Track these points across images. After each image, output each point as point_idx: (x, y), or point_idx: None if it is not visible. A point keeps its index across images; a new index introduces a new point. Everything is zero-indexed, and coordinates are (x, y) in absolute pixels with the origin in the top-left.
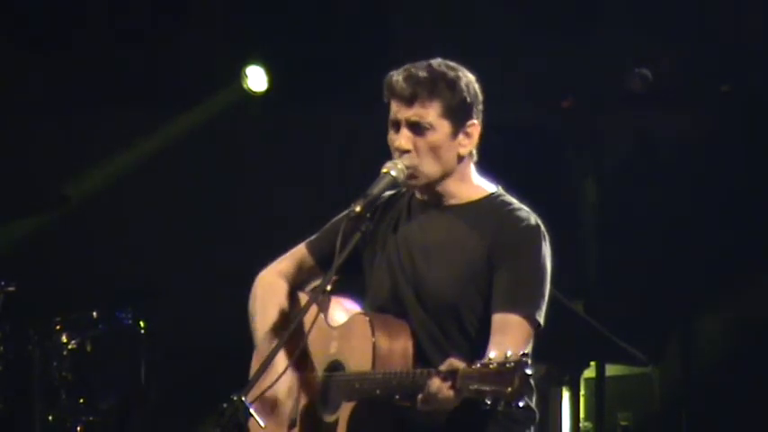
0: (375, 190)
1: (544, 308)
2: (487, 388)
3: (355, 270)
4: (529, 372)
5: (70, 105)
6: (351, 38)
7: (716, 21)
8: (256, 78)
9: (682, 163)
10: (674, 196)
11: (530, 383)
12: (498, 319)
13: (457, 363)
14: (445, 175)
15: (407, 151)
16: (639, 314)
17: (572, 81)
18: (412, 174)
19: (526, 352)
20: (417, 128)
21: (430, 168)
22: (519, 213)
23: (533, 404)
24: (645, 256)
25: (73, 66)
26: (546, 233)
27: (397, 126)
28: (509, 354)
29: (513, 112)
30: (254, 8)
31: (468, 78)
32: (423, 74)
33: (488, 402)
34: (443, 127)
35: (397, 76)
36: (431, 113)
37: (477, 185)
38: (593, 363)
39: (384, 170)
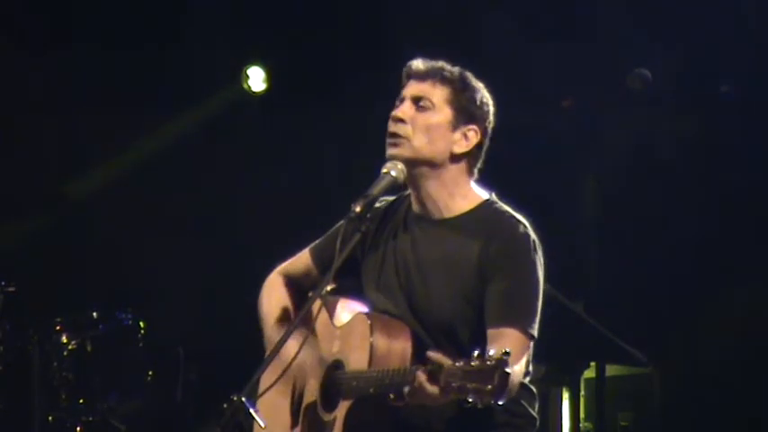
0: (375, 190)
1: (537, 320)
2: (469, 385)
3: (356, 273)
4: (508, 370)
5: (70, 105)
6: (350, 38)
7: (716, 21)
8: (256, 78)
9: (682, 163)
10: (674, 196)
11: (509, 382)
12: (492, 333)
13: (443, 359)
14: (433, 163)
15: (400, 120)
16: (639, 314)
17: (572, 81)
18: (397, 143)
19: (507, 350)
20: (420, 104)
21: (419, 142)
22: (510, 224)
23: (535, 411)
24: (645, 256)
25: (73, 66)
26: (537, 242)
27: (401, 102)
28: (491, 353)
29: (513, 112)
30: (254, 9)
31: (485, 93)
32: (444, 65)
33: (470, 400)
34: (445, 113)
35: (417, 60)
36: (437, 94)
37: (469, 194)
38: (593, 363)
39: (384, 170)
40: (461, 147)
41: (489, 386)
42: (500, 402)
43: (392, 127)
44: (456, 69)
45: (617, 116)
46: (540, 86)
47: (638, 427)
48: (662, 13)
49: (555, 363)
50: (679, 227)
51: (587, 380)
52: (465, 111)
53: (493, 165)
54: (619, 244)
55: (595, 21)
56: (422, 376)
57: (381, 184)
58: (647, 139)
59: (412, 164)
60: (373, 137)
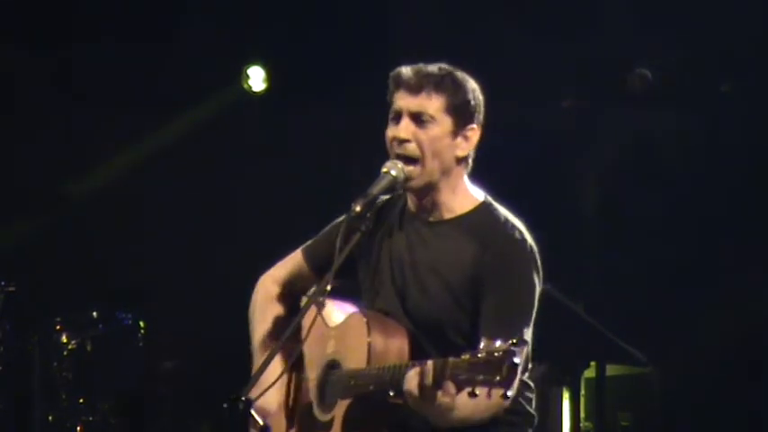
0: (375, 190)
1: (531, 323)
2: (477, 377)
3: (352, 273)
4: (516, 360)
5: (70, 105)
6: (351, 38)
7: (716, 21)
8: (256, 78)
9: (682, 163)
10: (674, 196)
11: (517, 372)
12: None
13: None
14: (442, 176)
15: (405, 141)
16: (640, 314)
17: (572, 81)
18: (410, 176)
19: (515, 341)
20: (419, 119)
21: (430, 164)
22: (506, 230)
23: (532, 408)
24: (645, 255)
25: (73, 66)
26: (534, 246)
27: (397, 118)
28: (498, 344)
29: (513, 111)
30: (254, 8)
31: (474, 85)
32: (431, 69)
33: (477, 393)
34: (445, 123)
35: (405, 68)
36: (434, 105)
37: (467, 195)
38: (593, 363)
39: (384, 170)
40: (464, 149)
41: (498, 377)
42: (509, 394)
43: (398, 149)
44: (443, 70)
45: (617, 116)
46: (540, 86)
47: (638, 427)
48: (662, 11)
49: (555, 363)
50: (679, 226)
51: (587, 380)
52: (462, 114)
53: (493, 165)
54: (619, 244)
55: (596, 20)
56: (426, 371)
57: (381, 184)
58: (647, 138)
59: (426, 186)
60: (373, 137)
